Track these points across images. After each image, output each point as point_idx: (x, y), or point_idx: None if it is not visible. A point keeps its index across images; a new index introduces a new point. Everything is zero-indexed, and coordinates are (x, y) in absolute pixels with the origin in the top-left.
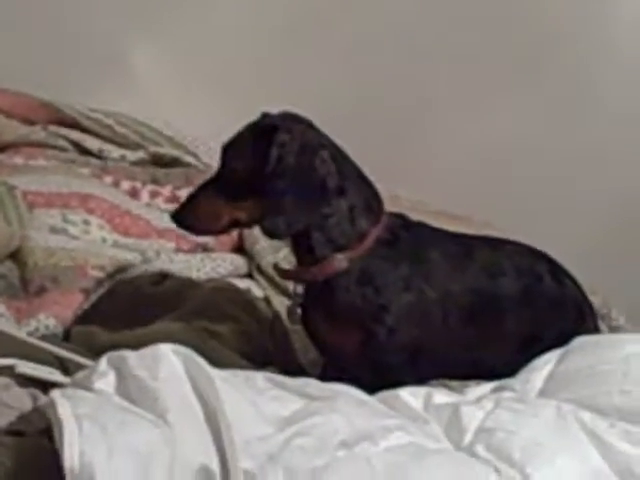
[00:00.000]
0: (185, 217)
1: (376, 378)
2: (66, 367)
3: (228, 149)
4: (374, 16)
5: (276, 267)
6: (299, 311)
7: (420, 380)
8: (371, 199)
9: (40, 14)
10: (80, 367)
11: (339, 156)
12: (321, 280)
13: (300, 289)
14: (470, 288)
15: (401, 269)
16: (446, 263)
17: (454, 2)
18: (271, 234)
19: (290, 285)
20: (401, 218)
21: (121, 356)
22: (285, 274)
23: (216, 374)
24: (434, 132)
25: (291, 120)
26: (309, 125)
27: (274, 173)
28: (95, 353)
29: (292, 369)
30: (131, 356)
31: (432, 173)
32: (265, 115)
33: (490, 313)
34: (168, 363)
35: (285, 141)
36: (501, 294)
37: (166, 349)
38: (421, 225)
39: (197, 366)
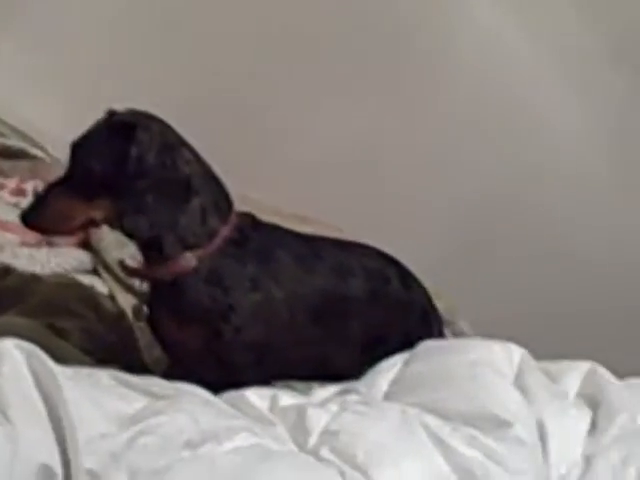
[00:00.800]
0: (35, 217)
1: (221, 378)
2: None
3: (79, 147)
4: (222, 12)
5: (122, 264)
6: (145, 309)
7: (265, 380)
8: (221, 198)
9: None
10: None
11: (196, 155)
12: (169, 279)
13: (146, 287)
14: (317, 289)
15: (249, 269)
16: (294, 263)
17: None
18: (132, 234)
19: (136, 282)
20: (250, 218)
21: None
22: (132, 272)
23: (59, 371)
24: (284, 132)
25: (146, 118)
26: (164, 123)
27: (134, 172)
28: None
29: (136, 367)
30: None
31: (284, 175)
32: (113, 113)
33: (337, 314)
34: (10, 358)
35: (144, 139)
36: (348, 295)
37: (9, 344)
38: (270, 226)
39: (40, 362)
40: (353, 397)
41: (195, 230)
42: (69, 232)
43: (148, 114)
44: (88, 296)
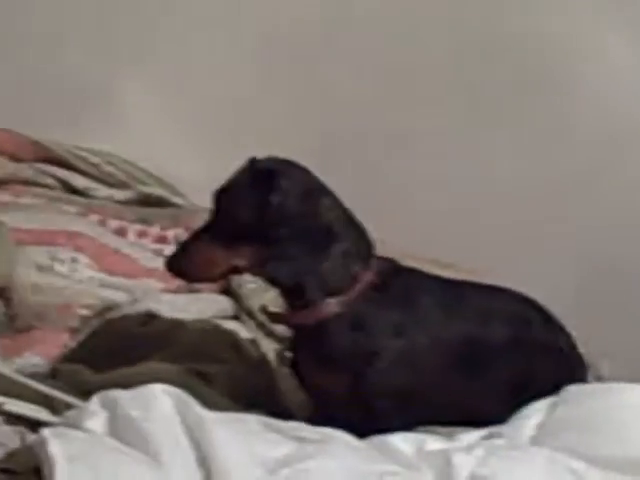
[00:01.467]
0: (180, 264)
1: (365, 423)
2: (53, 406)
3: (223, 195)
4: (354, 52)
5: (265, 310)
6: (288, 354)
7: (409, 426)
8: (362, 244)
9: (29, 54)
10: (67, 406)
11: (337, 201)
12: (312, 324)
13: (289, 332)
14: (461, 333)
15: (392, 314)
16: (437, 308)
17: (436, 34)
18: (275, 281)
19: (278, 328)
20: (391, 263)
21: (112, 396)
22: (275, 318)
23: (207, 415)
24: (416, 177)
25: (287, 165)
26: (305, 170)
27: (276, 220)
28: (81, 392)
29: (279, 412)
30: (122, 396)
31: (417, 219)
32: (254, 160)
33: (480, 359)
34: (160, 403)
35: (286, 187)
36: (491, 340)
37: (158, 389)
38: (411, 270)
39: (188, 407)
40: (499, 441)
41: (337, 276)
42: (212, 279)
43: (289, 161)
44: (231, 341)
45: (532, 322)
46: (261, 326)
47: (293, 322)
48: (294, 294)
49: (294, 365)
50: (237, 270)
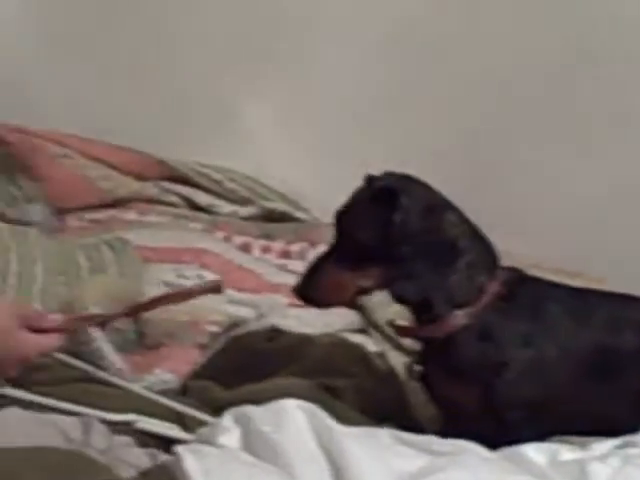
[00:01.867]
0: (309, 290)
1: (496, 435)
2: (184, 423)
3: (344, 217)
4: (473, 66)
5: (393, 324)
6: (417, 368)
7: (540, 436)
8: (486, 255)
9: (155, 75)
10: (199, 423)
11: (460, 214)
12: (440, 337)
13: (417, 345)
14: (591, 343)
15: (520, 324)
16: (566, 317)
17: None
18: (402, 299)
19: (405, 341)
20: (517, 272)
21: (245, 411)
22: (403, 332)
23: (341, 430)
24: (539, 186)
25: (407, 182)
26: (425, 186)
27: (399, 238)
28: (212, 408)
29: (409, 425)
30: (255, 411)
31: (542, 229)
32: (373, 178)
33: (611, 368)
34: (293, 418)
35: (408, 205)
36: (623, 349)
37: (291, 404)
38: (537, 279)
39: (321, 421)
40: (634, 450)
41: (463, 288)
42: (342, 303)
43: (408, 177)
44: (359, 355)
45: None
46: (388, 339)
47: (421, 336)
48: (422, 309)
49: (423, 378)
50: (364, 291)
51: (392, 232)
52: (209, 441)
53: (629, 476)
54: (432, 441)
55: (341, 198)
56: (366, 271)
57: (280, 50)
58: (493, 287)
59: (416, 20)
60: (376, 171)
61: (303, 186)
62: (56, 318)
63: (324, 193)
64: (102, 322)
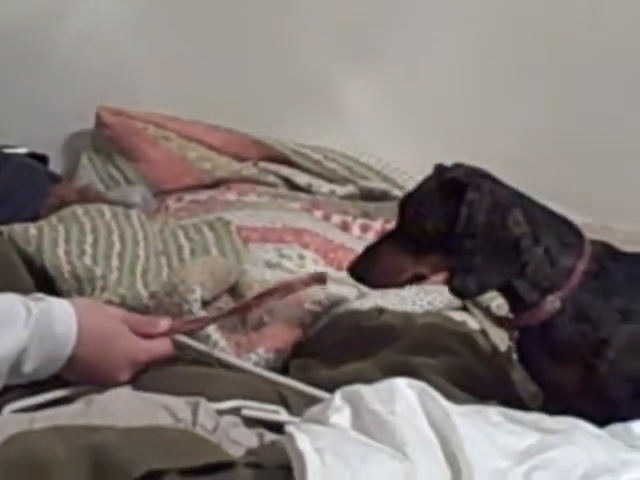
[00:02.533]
0: (364, 270)
1: (601, 413)
2: (287, 403)
3: (410, 203)
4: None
5: (489, 313)
6: (515, 357)
7: None
8: (567, 235)
9: (252, 54)
10: (303, 404)
11: (527, 207)
12: (535, 324)
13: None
14: None
15: (615, 299)
16: None
17: None
18: (460, 294)
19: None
20: (606, 247)
21: (355, 390)
22: (498, 321)
23: (452, 407)
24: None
25: (476, 175)
26: (494, 180)
27: (463, 232)
28: (315, 387)
29: (513, 403)
30: (366, 390)
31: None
32: (443, 168)
33: None
34: (403, 397)
35: (474, 199)
36: None
37: (401, 383)
38: (629, 253)
39: (432, 400)
40: None
41: (547, 274)
42: (395, 286)
43: (478, 170)
44: (462, 333)
45: None
46: (489, 316)
47: (517, 325)
48: (512, 299)
49: (523, 361)
50: (422, 277)
51: (457, 225)
52: (320, 420)
53: None
54: (541, 419)
55: None
56: (425, 258)
57: (386, 33)
58: (581, 265)
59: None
60: (473, 160)
61: (402, 165)
62: (165, 324)
63: (422, 172)
64: (209, 323)
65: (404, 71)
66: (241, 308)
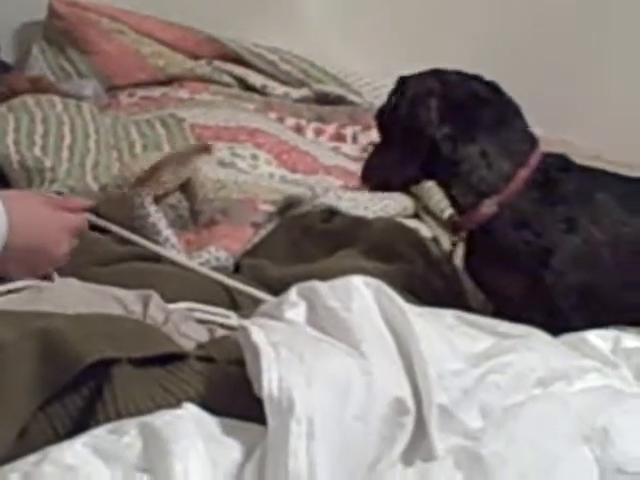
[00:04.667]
0: (366, 176)
1: (547, 322)
2: (235, 300)
3: (382, 115)
4: None
5: (441, 221)
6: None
7: (594, 325)
8: (514, 142)
9: None
10: (253, 301)
11: (472, 107)
12: (474, 228)
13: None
14: None
15: (561, 210)
16: (615, 203)
17: None
18: (383, 187)
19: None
20: (561, 159)
21: (312, 287)
22: (444, 223)
23: (408, 307)
24: (608, 75)
25: (430, 72)
26: (443, 73)
27: (390, 122)
28: (265, 287)
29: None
30: (322, 287)
31: (607, 121)
32: (403, 78)
33: None
34: (360, 294)
35: (405, 89)
36: None
37: (357, 281)
38: (585, 167)
39: (389, 298)
40: None
41: (483, 176)
42: (398, 189)
43: (438, 69)
44: (415, 240)
45: None
46: (442, 223)
47: (456, 227)
48: (452, 200)
49: (469, 267)
50: (418, 180)
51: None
52: (274, 315)
53: None
54: (497, 323)
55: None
56: (416, 160)
57: None
58: (524, 173)
59: None
60: (430, 63)
61: (357, 70)
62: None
63: (378, 77)
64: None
65: None
66: (138, 182)
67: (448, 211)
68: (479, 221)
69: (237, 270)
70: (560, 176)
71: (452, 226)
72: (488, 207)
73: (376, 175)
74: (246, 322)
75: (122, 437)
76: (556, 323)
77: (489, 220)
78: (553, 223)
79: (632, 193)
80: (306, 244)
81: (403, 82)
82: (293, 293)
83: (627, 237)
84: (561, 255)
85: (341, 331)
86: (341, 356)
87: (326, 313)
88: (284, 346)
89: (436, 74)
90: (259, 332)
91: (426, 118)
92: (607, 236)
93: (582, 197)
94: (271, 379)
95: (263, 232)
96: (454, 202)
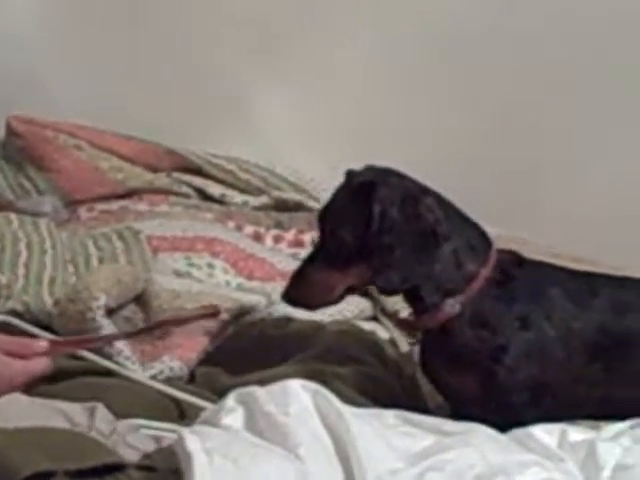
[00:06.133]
0: (297, 294)
1: (502, 419)
2: (183, 411)
3: (326, 216)
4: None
5: (396, 316)
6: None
7: (546, 420)
8: (476, 240)
9: (166, 66)
10: (198, 413)
11: (439, 201)
12: (435, 327)
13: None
14: (594, 325)
15: (516, 307)
16: (567, 300)
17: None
18: (386, 291)
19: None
20: (513, 256)
21: (249, 392)
22: (401, 323)
23: (345, 410)
24: (555, 173)
25: (385, 174)
26: (403, 177)
27: (379, 229)
28: (219, 395)
29: (420, 413)
30: (260, 392)
31: (559, 219)
32: (353, 173)
33: (617, 350)
34: (297, 398)
35: (385, 195)
36: (628, 332)
37: (295, 384)
38: (537, 263)
39: (326, 401)
40: None
41: (452, 276)
42: (332, 303)
43: (387, 170)
44: (370, 343)
45: None
46: (399, 325)
47: (416, 326)
48: (413, 299)
49: (424, 367)
50: (353, 289)
51: (372, 225)
52: (212, 422)
53: (637, 454)
54: (440, 422)
55: None
56: (353, 269)
57: (293, 41)
58: (485, 272)
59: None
60: (388, 162)
61: (315, 176)
62: (43, 344)
63: (336, 183)
64: (95, 346)
65: (312, 80)
66: (132, 334)
67: (406, 311)
68: (441, 320)
69: (192, 379)
70: (515, 272)
71: (408, 326)
72: (451, 307)
73: (314, 293)
74: (183, 430)
75: None
76: (509, 419)
77: (450, 319)
78: (508, 320)
79: (582, 288)
80: (262, 351)
81: (371, 185)
82: (231, 399)
83: (578, 332)
84: (514, 351)
85: (279, 435)
86: (277, 460)
87: (264, 418)
88: (218, 452)
89: (391, 173)
90: (194, 439)
91: (433, 217)
92: (558, 331)
93: (534, 293)
94: None
95: (218, 341)
96: (414, 302)
